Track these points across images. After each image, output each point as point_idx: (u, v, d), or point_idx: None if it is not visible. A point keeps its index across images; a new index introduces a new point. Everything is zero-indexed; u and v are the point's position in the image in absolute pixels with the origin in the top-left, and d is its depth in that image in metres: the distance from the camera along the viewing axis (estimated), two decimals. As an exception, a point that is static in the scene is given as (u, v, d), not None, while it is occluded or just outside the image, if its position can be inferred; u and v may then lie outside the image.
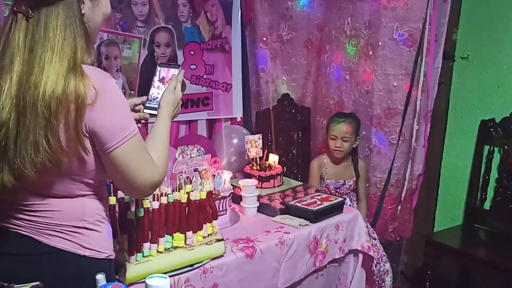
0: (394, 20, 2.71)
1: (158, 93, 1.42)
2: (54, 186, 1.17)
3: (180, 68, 1.46)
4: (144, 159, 1.21)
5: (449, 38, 2.90)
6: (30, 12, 1.09)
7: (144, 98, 1.48)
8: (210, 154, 2.24)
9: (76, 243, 1.20)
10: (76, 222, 1.20)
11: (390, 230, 2.98)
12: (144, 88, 2.47)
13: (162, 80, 1.45)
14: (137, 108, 1.53)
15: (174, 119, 1.45)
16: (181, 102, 1.44)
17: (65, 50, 1.09)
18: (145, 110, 1.44)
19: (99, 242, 1.25)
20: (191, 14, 2.65)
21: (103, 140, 1.14)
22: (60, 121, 1.08)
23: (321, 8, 3.05)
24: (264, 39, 3.09)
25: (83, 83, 1.09)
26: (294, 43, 3.10)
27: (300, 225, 2.07)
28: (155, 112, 1.39)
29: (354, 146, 2.78)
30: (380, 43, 2.78)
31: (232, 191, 2.14)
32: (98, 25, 1.24)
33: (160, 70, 1.47)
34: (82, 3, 1.15)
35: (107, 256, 1.27)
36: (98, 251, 1.24)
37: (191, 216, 1.69)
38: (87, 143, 1.14)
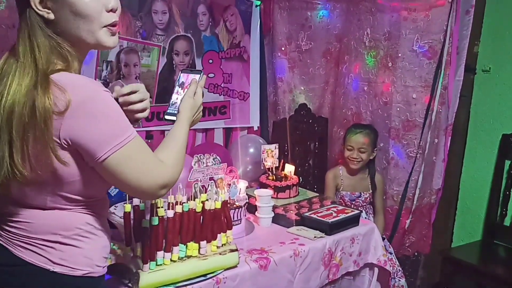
0: (415, 31, 2.70)
1: (177, 99, 1.40)
2: (28, 197, 1.14)
3: (201, 74, 1.44)
4: (146, 162, 1.16)
5: (471, 51, 2.86)
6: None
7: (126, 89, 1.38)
8: (226, 163, 2.23)
9: (46, 257, 1.15)
10: (48, 236, 1.15)
11: (407, 245, 2.93)
12: (162, 96, 2.50)
13: (181, 85, 1.43)
14: (121, 98, 1.40)
15: (193, 126, 1.42)
16: (201, 107, 1.42)
17: (26, 62, 1.08)
18: (166, 116, 1.41)
19: (75, 258, 1.17)
20: (210, 23, 2.66)
21: (91, 150, 1.09)
22: (29, 135, 1.05)
23: (340, 18, 3.05)
24: (283, 48, 3.09)
25: (47, 95, 1.05)
26: (313, 53, 3.10)
27: (315, 237, 2.05)
28: (174, 118, 1.37)
29: (371, 157, 2.75)
30: (399, 55, 2.77)
31: (247, 200, 2.13)
32: (75, 26, 1.13)
33: (180, 75, 1.46)
34: (40, 9, 1.10)
35: (86, 274, 1.18)
36: (71, 268, 1.16)
37: (206, 225, 1.68)
38: (65, 155, 1.10)
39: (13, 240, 1.16)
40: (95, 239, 1.22)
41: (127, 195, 1.61)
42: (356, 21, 2.93)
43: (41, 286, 1.15)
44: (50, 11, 1.11)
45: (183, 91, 1.41)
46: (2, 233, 1.18)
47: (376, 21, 2.84)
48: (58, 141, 1.07)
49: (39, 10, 1.10)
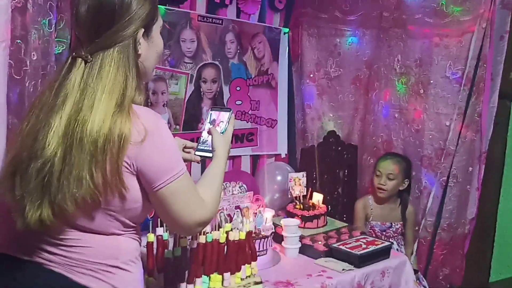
0: (447, 57, 2.65)
1: (209, 136, 1.45)
2: (91, 221, 1.16)
3: (231, 112, 1.49)
4: (191, 198, 1.22)
5: (507, 77, 2.77)
6: (89, 57, 1.13)
7: (195, 144, 1.52)
8: (252, 191, 2.20)
9: (108, 283, 1.18)
10: (109, 261, 1.18)
11: (440, 278, 2.81)
12: (189, 123, 2.51)
13: (212, 122, 1.48)
14: (186, 150, 1.56)
15: None
16: (231, 145, 1.48)
17: (114, 89, 1.12)
18: (197, 153, 1.47)
19: (130, 282, 1.22)
20: (238, 51, 2.67)
21: (151, 179, 1.15)
22: (107, 157, 1.09)
23: (370, 45, 3.01)
24: (311, 75, 3.08)
25: (129, 121, 1.11)
26: (342, 79, 3.07)
27: (343, 269, 1.98)
28: (206, 154, 1.43)
29: (401, 188, 2.66)
30: (431, 81, 2.71)
31: (273, 230, 2.08)
32: (153, 64, 1.27)
33: (211, 113, 1.51)
34: (139, 44, 1.18)
35: None
36: None
37: (229, 256, 1.65)
38: (131, 180, 1.15)
39: (71, 266, 1.16)
40: (139, 265, 1.26)
41: (151, 225, 1.61)
42: (386, 48, 2.89)
43: None
44: (140, 47, 1.19)
45: (215, 128, 1.46)
46: (55, 258, 1.17)
47: (407, 48, 2.80)
48: (129, 167, 1.13)
49: (139, 42, 1.18)
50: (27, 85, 1.47)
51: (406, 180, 2.67)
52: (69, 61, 1.17)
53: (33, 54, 1.45)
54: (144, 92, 1.24)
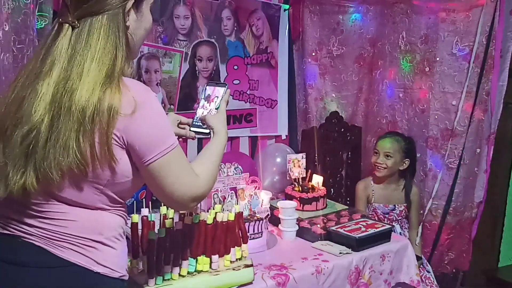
0: (454, 33, 2.53)
1: (203, 112, 1.43)
2: (77, 194, 1.13)
3: (226, 87, 1.46)
4: (183, 172, 1.19)
5: (517, 54, 2.64)
6: (76, 22, 1.10)
7: (190, 120, 1.50)
8: (248, 173, 2.14)
9: (90, 258, 1.15)
10: (92, 236, 1.16)
11: (446, 262, 2.73)
12: (184, 103, 2.44)
13: (207, 98, 1.45)
14: (181, 126, 1.53)
15: None
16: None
17: (104, 59, 1.09)
18: (192, 129, 1.46)
19: (113, 259, 1.19)
20: (235, 28, 2.58)
21: (141, 153, 1.13)
22: (95, 128, 1.07)
23: (374, 22, 2.91)
24: (313, 54, 2.97)
25: (119, 93, 1.08)
26: (345, 58, 2.97)
27: (340, 253, 1.91)
28: (202, 130, 1.43)
29: (400, 168, 2.56)
30: (437, 59, 2.60)
31: (268, 212, 2.01)
32: (140, 39, 1.25)
33: (206, 88, 1.48)
34: (127, 16, 1.16)
35: (120, 276, 1.21)
36: (112, 269, 1.18)
37: (218, 238, 1.58)
38: (120, 153, 1.12)
39: (52, 240, 1.14)
40: (123, 242, 1.24)
41: (135, 206, 1.55)
42: (391, 24, 2.78)
43: (84, 287, 1.16)
44: (129, 18, 1.17)
45: (209, 105, 1.44)
46: (35, 231, 1.15)
47: (412, 24, 2.68)
48: (118, 140, 1.10)
49: (128, 14, 1.16)
50: (0, 57, 1.41)
51: (407, 159, 2.56)
52: (55, 28, 1.14)
53: (5, 25, 1.39)
54: (132, 66, 1.21)
